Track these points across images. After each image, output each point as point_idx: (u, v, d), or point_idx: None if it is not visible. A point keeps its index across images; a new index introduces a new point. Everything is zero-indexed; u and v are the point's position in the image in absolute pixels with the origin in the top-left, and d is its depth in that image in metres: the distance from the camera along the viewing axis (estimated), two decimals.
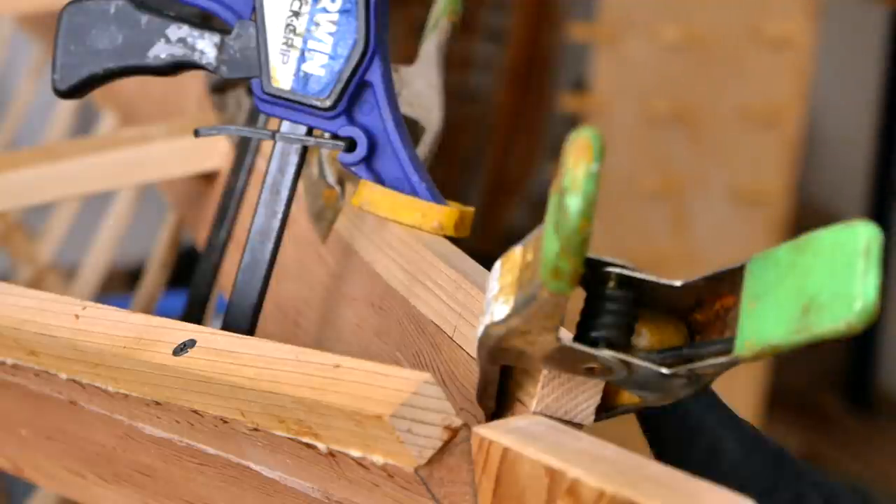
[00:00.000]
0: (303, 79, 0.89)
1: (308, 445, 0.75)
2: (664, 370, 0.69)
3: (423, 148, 0.99)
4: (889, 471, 2.63)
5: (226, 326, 0.90)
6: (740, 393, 2.29)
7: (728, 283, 0.69)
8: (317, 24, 0.89)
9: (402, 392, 0.69)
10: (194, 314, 1.13)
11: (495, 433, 0.69)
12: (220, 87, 1.25)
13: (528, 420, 0.72)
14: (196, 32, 0.91)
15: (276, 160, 0.91)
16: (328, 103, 0.89)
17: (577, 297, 0.70)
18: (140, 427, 0.89)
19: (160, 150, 1.23)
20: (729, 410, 0.90)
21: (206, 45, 0.91)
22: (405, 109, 0.98)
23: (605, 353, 0.69)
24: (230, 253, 1.14)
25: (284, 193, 0.91)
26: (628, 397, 0.74)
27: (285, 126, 0.91)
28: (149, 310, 1.53)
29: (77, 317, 0.85)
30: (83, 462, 0.99)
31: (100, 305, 0.86)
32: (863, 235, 0.62)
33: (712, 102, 2.30)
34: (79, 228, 1.94)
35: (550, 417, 0.73)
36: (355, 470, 0.74)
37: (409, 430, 0.69)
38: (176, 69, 0.92)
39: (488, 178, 3.10)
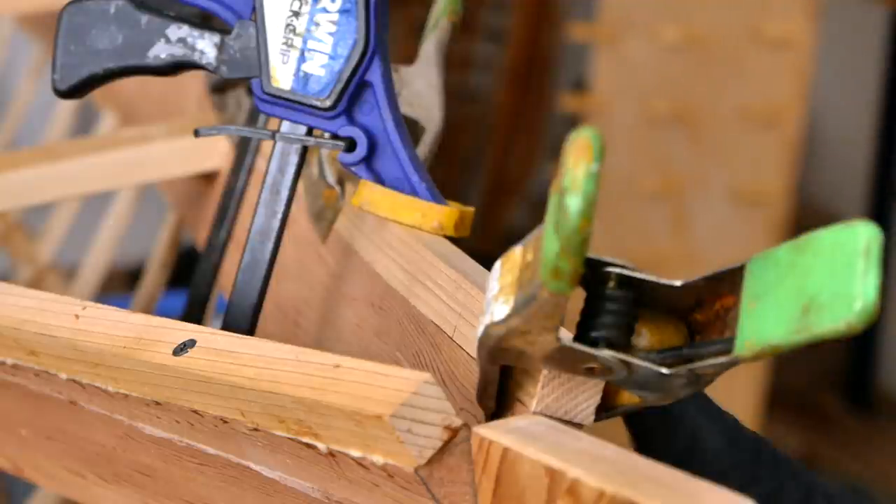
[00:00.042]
0: (303, 79, 0.89)
1: (308, 445, 0.75)
2: (664, 370, 0.69)
3: (423, 148, 0.99)
4: (889, 471, 2.63)
5: (226, 326, 0.90)
6: (740, 393, 2.29)
7: (728, 283, 0.69)
8: (317, 24, 0.89)
9: (402, 392, 0.69)
10: (194, 314, 1.14)
11: (495, 433, 0.69)
12: (220, 87, 1.25)
13: (528, 420, 0.72)
14: (196, 32, 0.91)
15: (276, 160, 0.91)
16: (328, 103, 0.89)
17: (577, 297, 0.70)
18: (140, 427, 0.89)
19: (160, 150, 1.23)
20: (711, 402, 0.90)
21: (206, 45, 0.91)
22: (405, 109, 0.98)
23: (605, 353, 0.69)
24: (230, 253, 1.14)
25: (284, 193, 0.91)
26: (628, 397, 0.74)
27: (285, 126, 0.91)
28: (149, 310, 1.53)
29: (77, 317, 0.85)
30: (83, 462, 0.99)
31: (100, 305, 0.86)
32: (863, 235, 0.62)
33: (712, 102, 2.30)
34: (79, 228, 1.94)
35: (550, 417, 0.73)
36: (355, 470, 0.74)
37: (409, 430, 0.69)
38: (176, 69, 0.92)
39: (488, 178, 3.10)
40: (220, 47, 0.91)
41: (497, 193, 3.10)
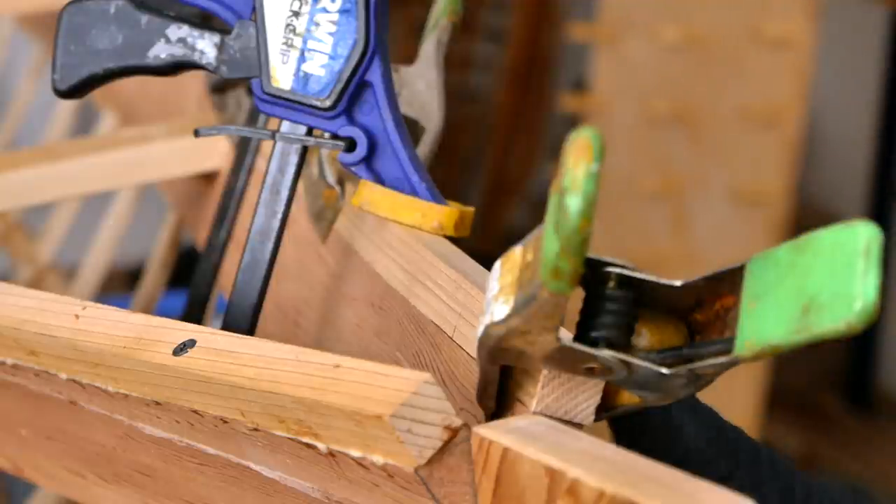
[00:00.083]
0: (303, 79, 0.89)
1: (308, 445, 0.75)
2: (664, 370, 0.69)
3: (423, 148, 0.99)
4: (889, 471, 2.63)
5: (226, 326, 0.90)
6: (740, 393, 2.29)
7: (728, 283, 0.69)
8: (317, 24, 0.89)
9: (402, 392, 0.69)
10: (194, 314, 1.13)
11: (495, 433, 0.69)
12: (220, 87, 1.25)
13: (528, 420, 0.72)
14: (196, 32, 0.91)
15: (276, 160, 0.91)
16: (328, 103, 0.89)
17: (577, 297, 0.70)
18: (140, 427, 0.89)
19: (160, 150, 1.23)
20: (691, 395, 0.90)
21: (206, 45, 0.91)
22: (405, 109, 0.98)
23: (605, 353, 0.69)
24: (230, 253, 1.14)
25: (284, 193, 0.91)
26: (628, 397, 0.74)
27: (285, 126, 0.91)
28: (149, 310, 1.53)
29: (77, 317, 0.85)
30: (83, 462, 0.99)
31: (100, 305, 0.86)
32: (863, 235, 0.62)
33: (712, 102, 2.30)
34: (79, 228, 1.94)
35: (550, 417, 0.73)
36: (355, 470, 0.74)
37: (409, 430, 0.69)
38: (176, 69, 0.92)
39: (488, 178, 3.10)
40: (220, 47, 0.91)
41: (497, 193, 3.10)
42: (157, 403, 0.83)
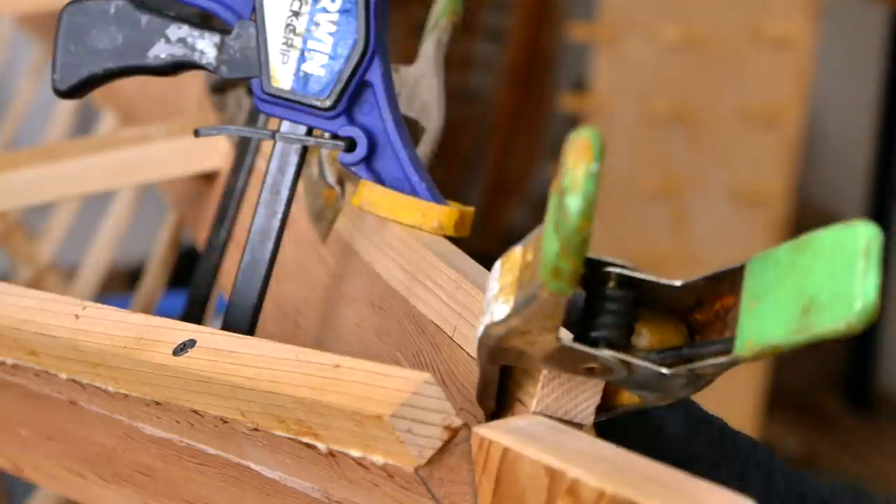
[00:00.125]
0: (303, 79, 0.89)
1: (308, 445, 0.75)
2: (664, 370, 0.69)
3: (423, 148, 0.99)
4: (889, 471, 2.63)
5: (226, 326, 0.90)
6: (740, 393, 2.29)
7: (728, 283, 0.69)
8: (317, 24, 0.89)
9: (402, 392, 0.69)
10: (194, 314, 1.13)
11: (495, 433, 0.69)
12: (220, 87, 1.25)
13: (528, 420, 0.72)
14: (196, 32, 0.91)
15: (276, 160, 0.91)
16: (328, 103, 0.89)
17: None
18: (140, 427, 0.89)
19: (160, 150, 1.23)
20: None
21: (206, 45, 0.91)
22: (405, 109, 0.98)
23: (605, 353, 0.69)
24: (230, 253, 1.14)
25: (284, 193, 0.91)
26: (628, 397, 0.74)
27: (285, 126, 0.91)
28: (149, 310, 1.53)
29: (77, 317, 0.85)
30: (83, 462, 0.99)
31: (100, 305, 0.86)
32: (863, 235, 0.62)
33: (712, 102, 2.30)
34: (79, 228, 1.94)
35: (550, 417, 0.73)
36: (355, 470, 0.74)
37: (409, 430, 0.69)
38: (176, 69, 0.92)
39: (488, 178, 3.10)
40: (220, 47, 0.91)
41: (497, 193, 3.10)
42: (157, 403, 0.83)
